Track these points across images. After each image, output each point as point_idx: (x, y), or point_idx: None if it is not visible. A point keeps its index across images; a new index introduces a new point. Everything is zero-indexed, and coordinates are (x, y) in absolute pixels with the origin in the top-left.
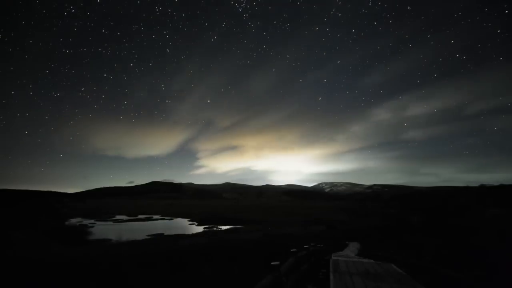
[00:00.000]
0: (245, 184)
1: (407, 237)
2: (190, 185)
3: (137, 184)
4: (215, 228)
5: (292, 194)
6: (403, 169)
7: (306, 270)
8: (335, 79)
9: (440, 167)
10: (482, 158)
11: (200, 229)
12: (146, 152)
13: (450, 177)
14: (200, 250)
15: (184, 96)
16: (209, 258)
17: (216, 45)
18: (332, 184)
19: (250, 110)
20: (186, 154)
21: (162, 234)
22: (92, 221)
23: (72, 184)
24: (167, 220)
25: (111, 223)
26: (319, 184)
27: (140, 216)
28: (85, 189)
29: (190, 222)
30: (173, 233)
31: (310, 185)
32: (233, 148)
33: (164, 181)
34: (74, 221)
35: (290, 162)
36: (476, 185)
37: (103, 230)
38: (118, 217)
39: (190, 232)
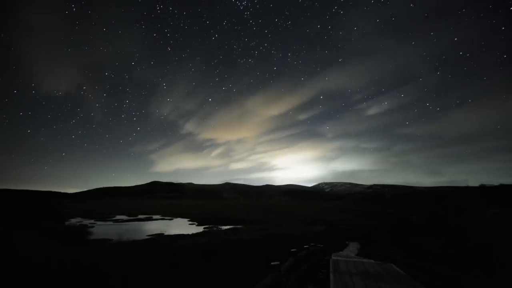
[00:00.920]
0: (245, 184)
1: (407, 237)
2: (190, 185)
3: (137, 184)
4: (215, 228)
5: (292, 194)
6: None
7: (306, 270)
8: (338, 78)
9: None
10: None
11: (200, 229)
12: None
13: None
14: (200, 250)
15: (185, 95)
16: (209, 258)
17: (217, 43)
18: (332, 184)
19: (251, 109)
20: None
21: (162, 234)
22: (92, 221)
23: (73, 184)
24: (167, 220)
25: (111, 223)
26: (319, 184)
27: (140, 216)
28: (85, 189)
29: (190, 222)
30: (173, 233)
31: (310, 185)
32: (233, 148)
33: (164, 181)
34: (74, 221)
35: (290, 162)
36: (476, 185)
37: (103, 230)
38: (118, 217)
39: (190, 232)
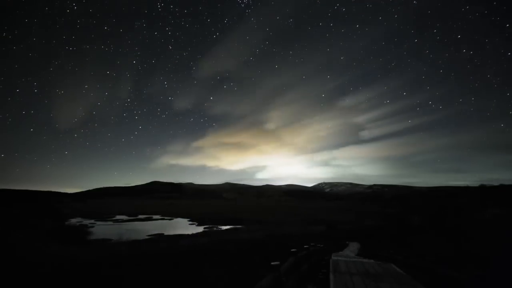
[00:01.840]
0: (245, 184)
1: (407, 237)
2: (190, 185)
3: (137, 184)
4: (215, 228)
5: (292, 194)
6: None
7: (306, 270)
8: (339, 76)
9: None
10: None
11: (200, 229)
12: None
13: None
14: (200, 250)
15: (187, 94)
16: (209, 258)
17: (218, 41)
18: (332, 184)
19: (251, 108)
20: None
21: (162, 234)
22: (92, 221)
23: (73, 184)
24: (167, 220)
25: (111, 223)
26: (319, 184)
27: (140, 216)
28: (85, 189)
29: (190, 222)
30: (173, 233)
31: (310, 185)
32: (233, 148)
33: (164, 181)
34: (74, 221)
35: (291, 162)
36: (476, 185)
37: (103, 230)
38: (118, 217)
39: (190, 232)
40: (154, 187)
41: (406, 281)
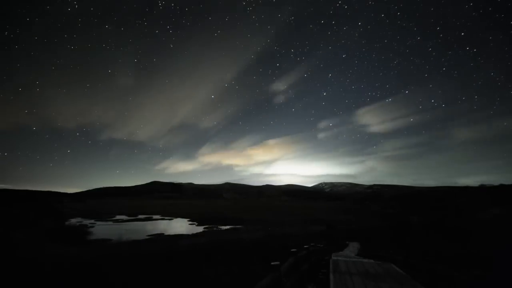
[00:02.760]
0: (245, 184)
1: (407, 237)
2: (190, 185)
3: (137, 184)
4: (215, 228)
5: (292, 194)
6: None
7: (306, 270)
8: (340, 74)
9: None
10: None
11: (200, 229)
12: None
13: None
14: (200, 250)
15: (188, 92)
16: (209, 258)
17: (220, 40)
18: (332, 184)
19: (252, 107)
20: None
21: (162, 234)
22: (92, 221)
23: (74, 184)
24: (167, 220)
25: (111, 223)
26: (319, 184)
27: (140, 216)
28: (85, 189)
29: (190, 222)
30: (173, 233)
31: (310, 185)
32: (233, 147)
33: (164, 181)
34: (74, 221)
35: (291, 162)
36: (476, 185)
37: (103, 230)
38: (118, 217)
39: (190, 232)
40: (154, 187)
41: (406, 281)
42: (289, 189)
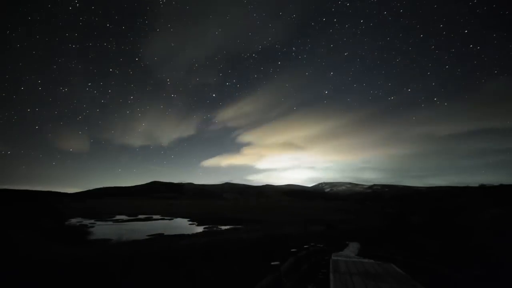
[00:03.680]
0: (245, 184)
1: (407, 237)
2: (190, 185)
3: (137, 184)
4: (215, 228)
5: (292, 194)
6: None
7: (306, 270)
8: (343, 72)
9: None
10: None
11: (200, 229)
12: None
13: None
14: (200, 250)
15: (189, 92)
16: (209, 258)
17: (221, 38)
18: (332, 184)
19: (253, 106)
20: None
21: (162, 234)
22: (92, 221)
23: (74, 183)
24: (167, 220)
25: (111, 223)
26: (319, 184)
27: (140, 216)
28: (85, 189)
29: (190, 222)
30: (173, 233)
31: (310, 185)
32: (233, 147)
33: (164, 181)
34: (74, 221)
35: (291, 162)
36: (476, 185)
37: (103, 230)
38: (118, 217)
39: (190, 232)
40: (154, 187)
41: (406, 281)
42: (289, 189)
